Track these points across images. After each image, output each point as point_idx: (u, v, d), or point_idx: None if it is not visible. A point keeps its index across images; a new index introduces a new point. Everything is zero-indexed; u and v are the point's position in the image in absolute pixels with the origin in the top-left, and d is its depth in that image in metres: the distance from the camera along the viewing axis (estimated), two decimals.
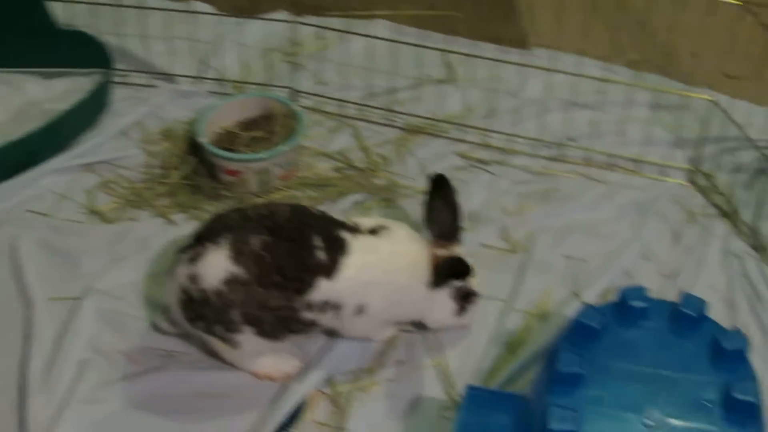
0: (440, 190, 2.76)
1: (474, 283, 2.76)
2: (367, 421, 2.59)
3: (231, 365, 2.68)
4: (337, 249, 2.55)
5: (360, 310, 2.59)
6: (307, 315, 2.54)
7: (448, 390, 2.67)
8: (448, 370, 2.72)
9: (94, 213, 3.18)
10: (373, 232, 2.64)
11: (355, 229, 2.62)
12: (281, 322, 2.52)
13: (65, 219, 3.16)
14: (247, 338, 2.53)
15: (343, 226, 2.62)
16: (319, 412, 2.62)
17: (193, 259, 2.51)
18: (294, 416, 2.57)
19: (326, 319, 2.58)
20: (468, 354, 2.77)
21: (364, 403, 2.63)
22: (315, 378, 2.66)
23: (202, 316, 2.51)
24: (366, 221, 2.68)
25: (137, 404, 2.61)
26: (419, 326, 2.81)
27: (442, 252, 2.71)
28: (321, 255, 2.52)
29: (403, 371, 2.73)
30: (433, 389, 2.68)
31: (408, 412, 2.62)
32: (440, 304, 2.72)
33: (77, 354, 2.72)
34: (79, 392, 2.62)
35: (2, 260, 3.02)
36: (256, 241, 2.48)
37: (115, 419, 2.58)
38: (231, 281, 2.46)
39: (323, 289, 2.52)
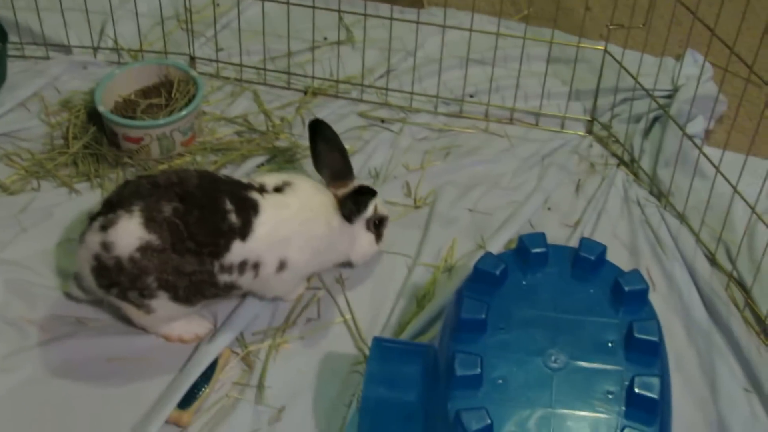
0: (320, 133, 2.83)
1: (380, 206, 2.86)
2: (279, 378, 2.62)
3: (142, 329, 2.69)
4: (248, 210, 2.57)
5: (282, 265, 2.63)
6: (225, 278, 2.56)
7: (359, 344, 2.71)
8: (358, 326, 2.76)
9: None
10: (279, 189, 2.67)
11: (262, 189, 2.65)
12: (196, 287, 2.54)
13: None
14: (162, 303, 2.55)
15: (250, 187, 2.64)
16: (231, 372, 2.65)
17: (105, 227, 2.50)
18: (206, 376, 2.59)
19: (245, 281, 2.61)
20: (377, 309, 2.81)
21: (276, 361, 2.67)
22: (226, 338, 2.68)
23: (116, 283, 2.52)
24: (270, 179, 2.70)
25: (50, 371, 2.62)
26: (345, 265, 2.89)
27: (344, 190, 2.78)
28: (233, 218, 2.54)
29: (314, 328, 2.76)
30: (343, 345, 2.72)
31: (320, 367, 2.66)
32: (360, 239, 2.82)
33: None
34: None
35: None
36: (168, 209, 2.49)
37: (28, 386, 2.58)
38: (145, 248, 2.47)
39: (239, 250, 2.54)
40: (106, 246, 2.49)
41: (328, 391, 2.60)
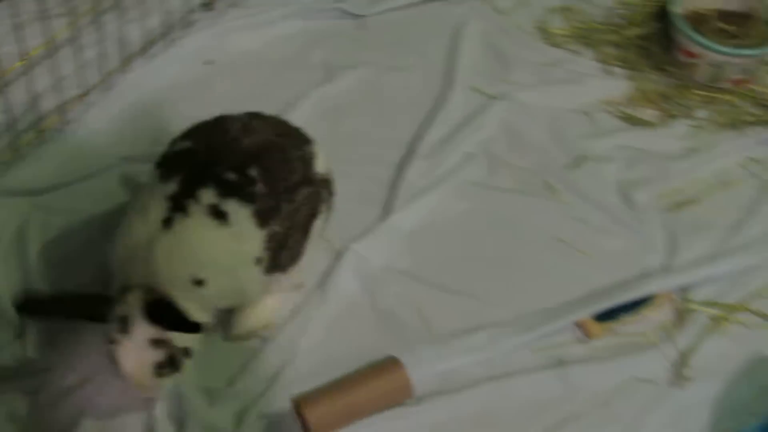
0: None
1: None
2: (704, 349, 2.41)
3: None
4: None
5: None
6: None
7: None
8: None
9: (542, 30, 3.21)
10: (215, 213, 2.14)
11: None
12: None
13: (516, 26, 3.21)
14: None
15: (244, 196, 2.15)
16: (661, 316, 2.48)
17: None
18: (635, 305, 2.47)
19: None
20: None
21: (708, 331, 2.44)
22: (676, 281, 2.52)
23: None
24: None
25: None
26: None
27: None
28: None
29: None
30: None
31: (751, 363, 2.40)
32: None
33: (466, 146, 2.78)
34: (453, 180, 2.70)
35: (442, 42, 3.13)
36: None
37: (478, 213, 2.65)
38: None
39: None
40: None
41: (744, 391, 2.35)
